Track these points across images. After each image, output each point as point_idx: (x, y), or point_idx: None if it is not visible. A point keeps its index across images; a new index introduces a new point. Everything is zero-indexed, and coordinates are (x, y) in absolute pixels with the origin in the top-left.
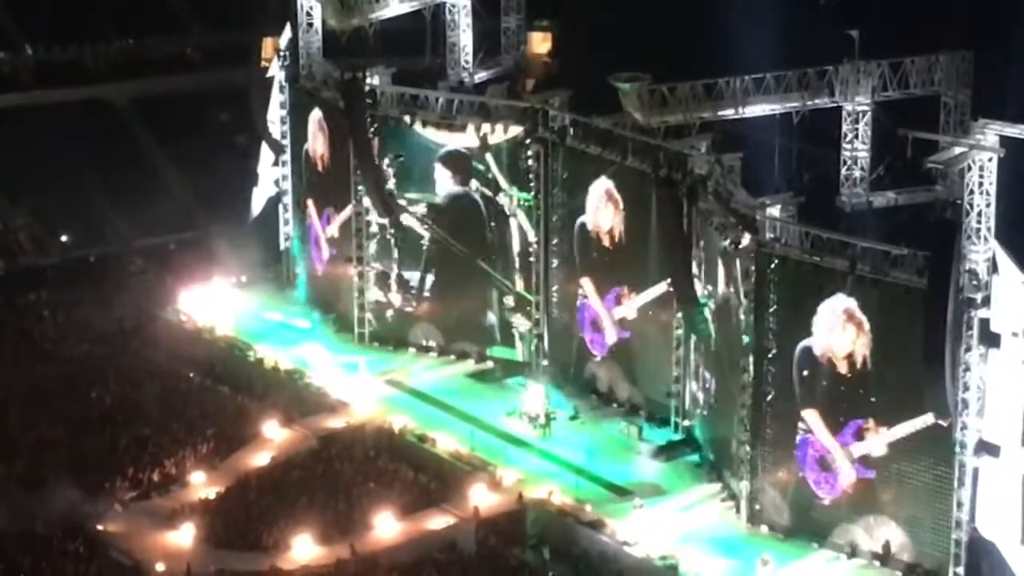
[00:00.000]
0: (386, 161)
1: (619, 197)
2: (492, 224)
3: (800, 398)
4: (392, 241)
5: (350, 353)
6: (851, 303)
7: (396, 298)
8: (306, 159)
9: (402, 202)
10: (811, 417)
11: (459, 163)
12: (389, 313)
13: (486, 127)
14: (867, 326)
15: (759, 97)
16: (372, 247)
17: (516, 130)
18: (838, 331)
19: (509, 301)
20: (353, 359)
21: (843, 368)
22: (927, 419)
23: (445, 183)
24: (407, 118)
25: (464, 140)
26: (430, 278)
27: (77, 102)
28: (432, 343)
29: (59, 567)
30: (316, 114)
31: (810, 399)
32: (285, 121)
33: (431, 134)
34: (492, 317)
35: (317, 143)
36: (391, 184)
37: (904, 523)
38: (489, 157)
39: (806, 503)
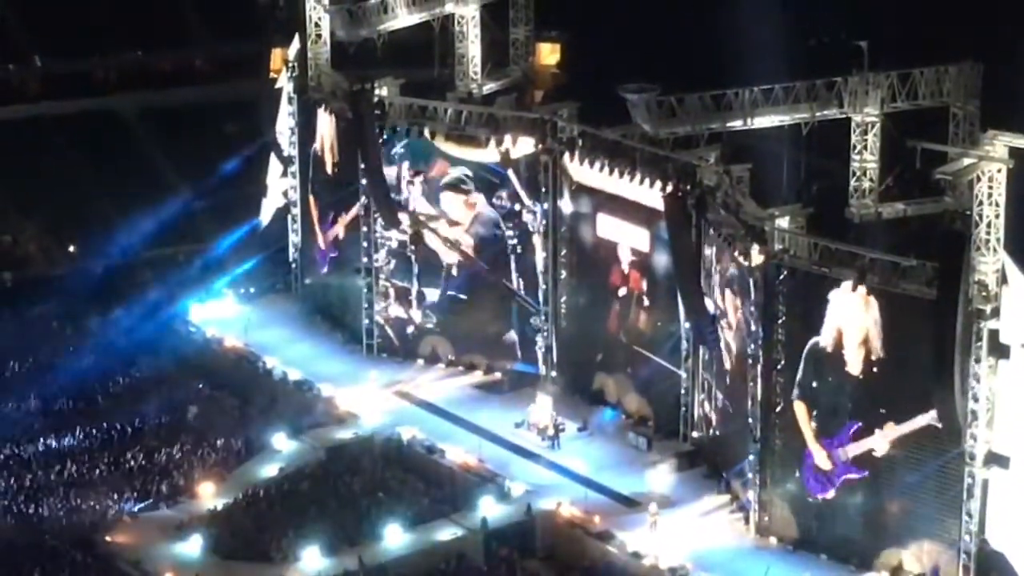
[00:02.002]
0: (406, 177)
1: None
2: (515, 243)
3: (799, 389)
4: (412, 258)
5: (359, 365)
6: (861, 288)
7: (417, 314)
8: (313, 160)
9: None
10: (799, 410)
11: (463, 183)
12: (410, 329)
13: (507, 141)
14: (875, 305)
15: (768, 108)
16: (391, 262)
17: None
18: (849, 313)
19: (536, 321)
20: None
21: (854, 367)
22: (929, 417)
23: (456, 210)
24: (427, 133)
25: (486, 155)
26: (451, 295)
27: (85, 113)
28: (442, 354)
29: None
30: (324, 117)
31: (807, 394)
32: (294, 132)
33: (453, 149)
34: (513, 334)
35: (325, 146)
36: (412, 201)
37: (915, 534)
38: (511, 173)
39: (815, 514)
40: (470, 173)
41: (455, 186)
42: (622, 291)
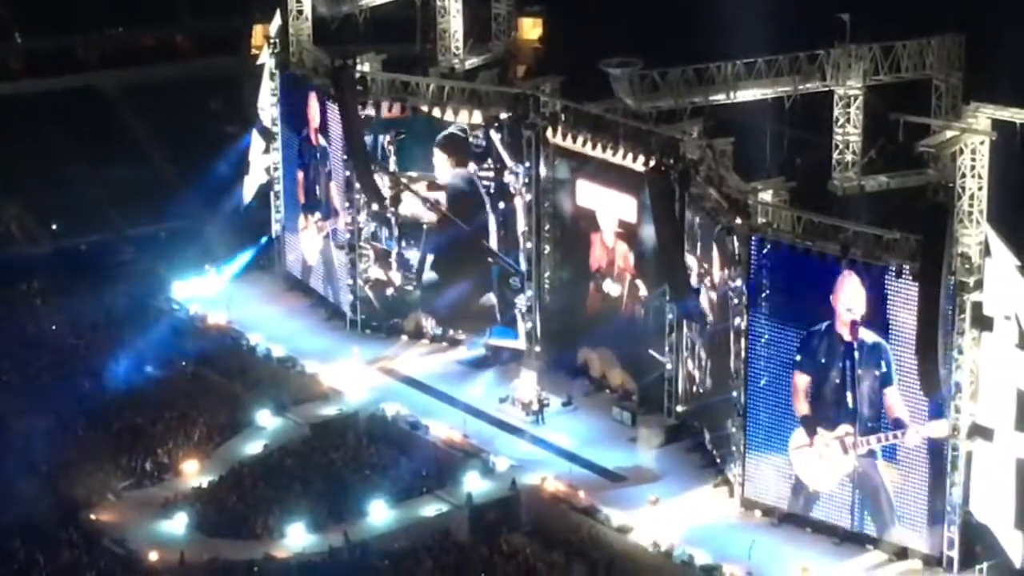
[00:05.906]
0: (387, 138)
1: None
2: (499, 205)
3: (800, 362)
4: (393, 220)
5: (342, 340)
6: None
7: (397, 276)
8: (307, 142)
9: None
10: (801, 380)
11: (458, 147)
12: (390, 291)
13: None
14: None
15: (750, 82)
16: (371, 225)
17: None
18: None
19: (515, 282)
20: None
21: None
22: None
23: (443, 168)
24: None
25: (469, 117)
26: (431, 257)
27: (68, 90)
28: (426, 329)
29: (53, 556)
30: (315, 104)
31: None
32: (275, 108)
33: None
34: (492, 297)
35: (311, 129)
36: (392, 162)
37: (898, 505)
38: (493, 133)
39: (799, 488)
40: (466, 128)
41: (447, 144)
42: (602, 273)
